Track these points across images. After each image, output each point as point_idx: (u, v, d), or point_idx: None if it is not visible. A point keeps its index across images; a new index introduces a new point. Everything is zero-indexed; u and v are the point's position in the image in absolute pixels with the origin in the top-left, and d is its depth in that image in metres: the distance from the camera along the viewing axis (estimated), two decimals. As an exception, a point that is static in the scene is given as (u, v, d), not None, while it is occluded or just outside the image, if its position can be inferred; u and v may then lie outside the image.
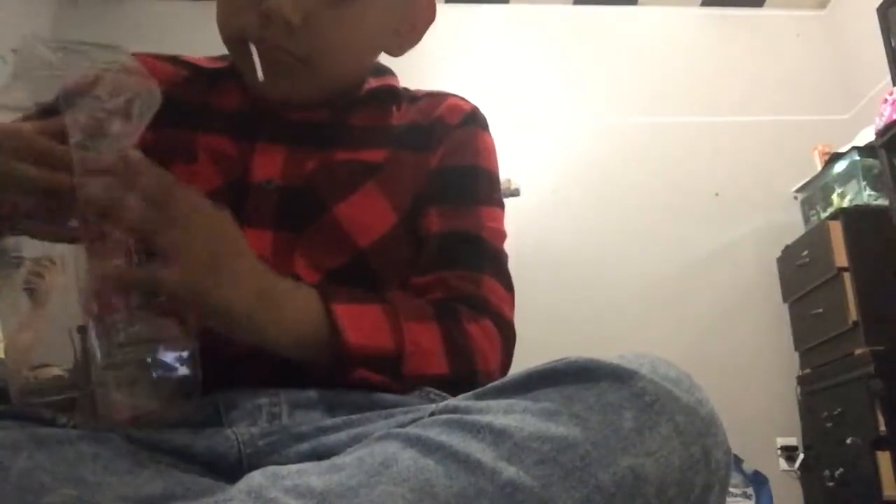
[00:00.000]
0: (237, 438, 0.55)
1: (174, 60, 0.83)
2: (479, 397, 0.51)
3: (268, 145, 0.74)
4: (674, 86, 3.47)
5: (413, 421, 0.51)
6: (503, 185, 0.88)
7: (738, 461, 2.79)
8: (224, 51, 0.78)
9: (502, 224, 0.81)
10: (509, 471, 0.42)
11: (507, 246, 0.80)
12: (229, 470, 0.53)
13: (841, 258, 2.66)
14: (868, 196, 2.82)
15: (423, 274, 0.74)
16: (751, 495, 2.80)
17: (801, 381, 2.95)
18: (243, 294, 0.56)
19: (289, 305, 0.61)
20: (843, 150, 2.96)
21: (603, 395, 0.46)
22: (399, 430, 0.48)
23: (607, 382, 0.47)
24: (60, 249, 0.56)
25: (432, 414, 0.50)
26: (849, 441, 2.51)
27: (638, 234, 3.23)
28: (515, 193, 3.15)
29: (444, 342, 0.66)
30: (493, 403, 0.48)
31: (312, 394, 0.61)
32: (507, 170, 3.00)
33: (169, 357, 0.54)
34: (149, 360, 0.52)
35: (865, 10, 3.13)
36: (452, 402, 0.51)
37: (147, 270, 0.53)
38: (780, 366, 3.04)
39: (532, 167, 3.30)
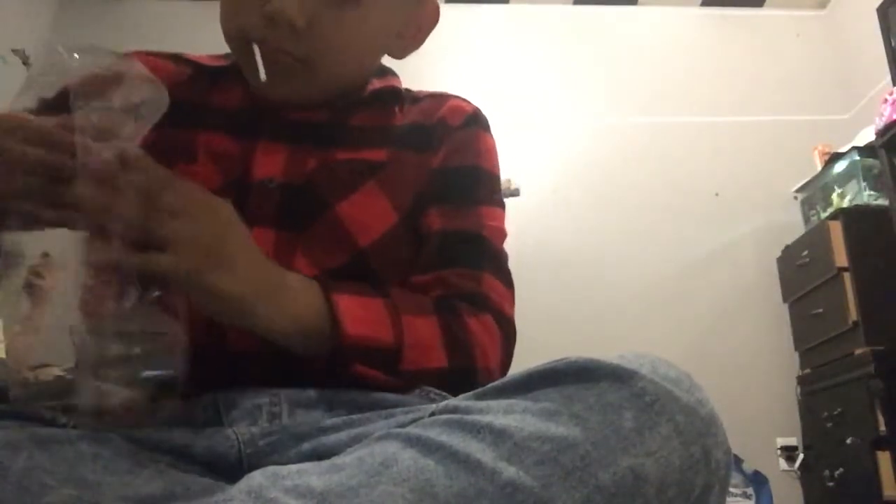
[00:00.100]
0: (237, 438, 0.55)
1: (176, 59, 0.83)
2: (479, 397, 0.51)
3: (269, 144, 0.74)
4: (674, 86, 3.47)
5: (413, 421, 0.51)
6: (503, 185, 0.88)
7: (738, 461, 2.79)
8: (226, 49, 0.78)
9: (503, 223, 0.81)
10: (509, 471, 0.42)
11: (508, 246, 0.81)
12: (229, 470, 0.53)
13: (841, 258, 2.66)
14: (868, 196, 2.82)
15: (424, 272, 0.74)
16: (751, 495, 2.80)
17: (801, 381, 2.95)
18: (242, 281, 0.56)
19: (289, 294, 0.61)
20: (843, 150, 2.96)
21: (603, 395, 0.46)
22: (399, 430, 0.48)
23: (607, 382, 0.47)
24: (61, 249, 0.56)
25: (432, 414, 0.50)
26: (849, 441, 2.51)
27: (638, 234, 3.23)
28: (515, 193, 3.15)
29: (443, 336, 0.67)
30: (493, 403, 0.48)
31: (312, 393, 0.61)
32: (507, 170, 3.00)
33: (159, 355, 0.54)
34: (139, 357, 0.52)
35: (865, 10, 3.13)
36: (452, 402, 0.52)
37: (144, 257, 0.53)
38: (780, 366, 3.04)
39: (532, 167, 3.30)
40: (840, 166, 2.97)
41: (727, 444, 0.48)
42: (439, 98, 0.85)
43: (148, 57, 0.82)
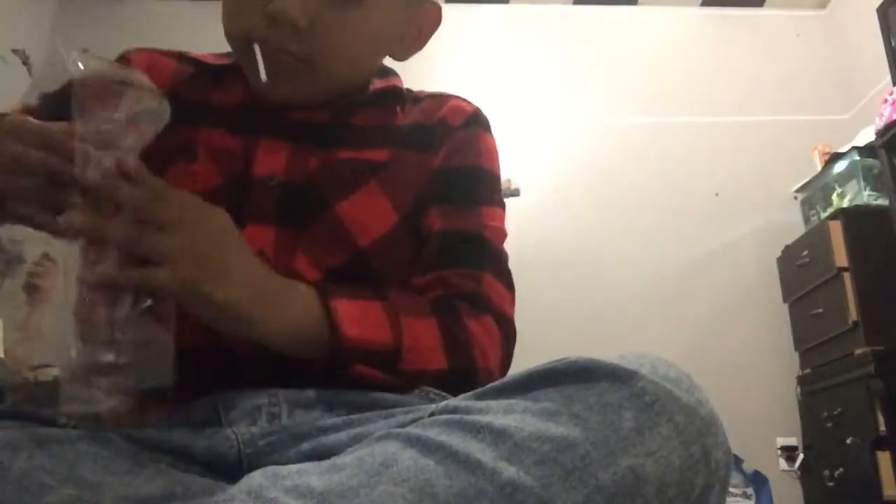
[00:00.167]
0: (237, 438, 0.55)
1: (179, 57, 0.83)
2: (479, 397, 0.51)
3: (271, 141, 0.74)
4: (674, 86, 3.47)
5: (413, 421, 0.51)
6: (503, 185, 0.88)
7: (738, 461, 2.79)
8: (227, 49, 0.78)
9: (503, 224, 0.81)
10: (509, 471, 0.42)
11: (508, 246, 0.81)
12: (229, 470, 0.53)
13: (841, 258, 2.66)
14: (868, 196, 2.82)
15: (424, 273, 0.74)
16: (751, 495, 2.80)
17: (801, 381, 2.95)
18: (238, 289, 0.56)
19: (286, 301, 0.61)
20: (843, 150, 2.96)
21: (603, 395, 0.46)
22: (399, 430, 0.48)
23: (607, 382, 0.47)
24: (60, 249, 0.56)
25: (432, 414, 0.50)
26: (849, 441, 2.51)
27: (638, 234, 3.23)
28: (515, 193, 3.15)
29: (442, 337, 0.66)
30: (493, 403, 0.48)
31: (311, 393, 0.61)
32: (507, 170, 2.99)
33: (149, 364, 0.54)
34: (129, 366, 0.53)
35: (865, 10, 3.13)
36: (452, 402, 0.51)
37: (140, 272, 0.53)
38: (780, 366, 3.04)
39: (532, 167, 3.30)
40: (840, 166, 2.96)
41: (727, 444, 0.48)
42: (440, 98, 0.85)
43: (151, 54, 0.82)
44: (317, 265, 0.69)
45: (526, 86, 3.48)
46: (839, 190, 2.97)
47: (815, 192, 3.14)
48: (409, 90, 0.86)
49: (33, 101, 0.75)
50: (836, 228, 2.72)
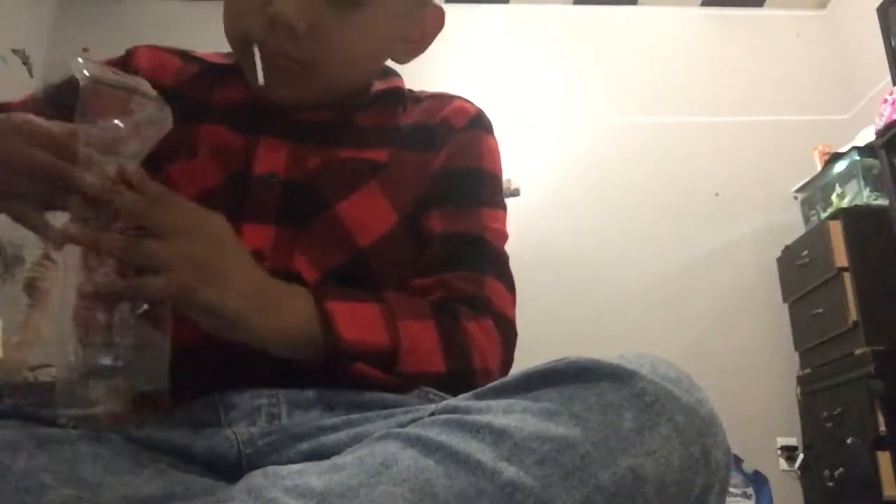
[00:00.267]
0: (237, 438, 0.55)
1: (183, 54, 0.83)
2: (478, 397, 0.51)
3: (272, 140, 0.74)
4: (674, 86, 3.47)
5: (413, 421, 0.51)
6: (503, 185, 0.88)
7: (738, 461, 2.79)
8: (227, 49, 0.78)
9: (504, 226, 0.81)
10: (509, 471, 0.42)
11: (507, 246, 0.81)
12: (229, 470, 0.53)
13: (841, 258, 2.66)
14: (868, 196, 2.82)
15: (425, 275, 0.74)
16: (751, 495, 2.80)
17: (801, 381, 2.95)
18: (236, 295, 0.56)
19: (283, 305, 0.61)
20: (843, 150, 2.96)
21: (603, 396, 0.46)
22: (399, 429, 0.48)
23: (607, 382, 0.47)
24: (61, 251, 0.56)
25: (432, 414, 0.50)
26: (849, 441, 2.51)
27: (638, 234, 3.23)
28: (515, 193, 3.15)
29: (441, 340, 0.66)
30: (492, 403, 0.48)
31: (311, 393, 0.61)
32: (507, 170, 2.98)
33: (145, 368, 0.54)
34: (125, 369, 0.53)
35: (865, 10, 3.13)
36: (452, 401, 0.51)
37: (137, 282, 0.53)
38: (780, 366, 3.04)
39: (532, 167, 3.30)
40: (840, 166, 2.97)
41: (727, 444, 0.48)
42: (442, 98, 0.84)
43: (156, 51, 0.82)
44: (316, 265, 0.69)
45: (526, 86, 3.48)
46: (839, 190, 2.97)
47: (815, 192, 3.14)
48: (410, 90, 0.86)
49: (39, 94, 0.75)
50: (836, 228, 2.72)
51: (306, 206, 0.72)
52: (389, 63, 0.85)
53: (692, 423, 0.46)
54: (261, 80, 0.69)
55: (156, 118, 0.57)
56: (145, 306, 0.54)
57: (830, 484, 2.59)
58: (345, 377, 0.62)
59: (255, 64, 0.69)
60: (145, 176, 0.55)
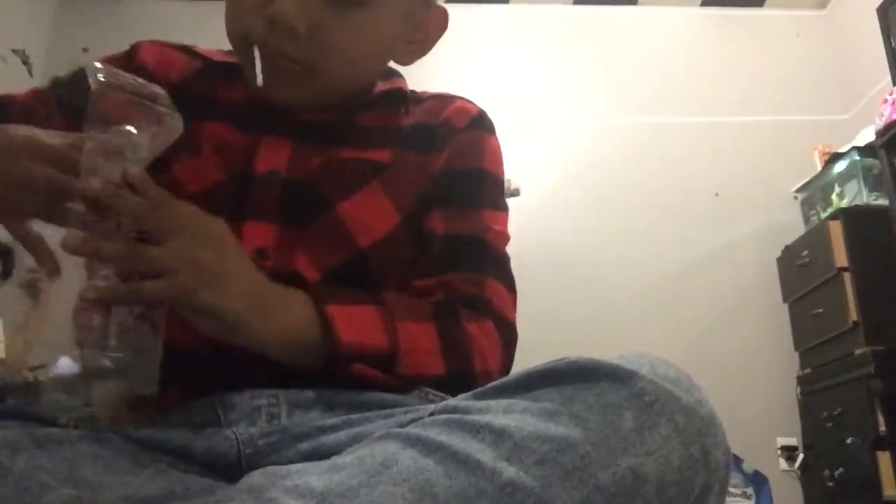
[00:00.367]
0: (237, 438, 0.55)
1: (187, 50, 0.83)
2: (478, 397, 0.51)
3: (274, 139, 0.74)
4: (674, 86, 3.47)
5: (413, 421, 0.51)
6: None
7: (738, 461, 2.79)
8: (230, 48, 0.78)
9: (506, 227, 0.81)
10: (509, 471, 0.42)
11: (507, 246, 0.80)
12: (229, 470, 0.53)
13: (841, 258, 2.66)
14: (868, 196, 2.82)
15: (427, 276, 0.74)
16: (751, 495, 2.80)
17: (801, 381, 2.95)
18: (236, 299, 0.56)
19: (282, 310, 0.61)
20: (843, 150, 2.96)
21: (603, 396, 0.46)
22: (399, 429, 0.48)
23: (607, 382, 0.47)
24: (60, 253, 0.56)
25: (432, 414, 0.50)
26: (849, 441, 2.51)
27: (638, 234, 3.23)
28: (515, 193, 3.15)
29: (441, 342, 0.66)
30: (492, 403, 0.48)
31: (311, 394, 0.61)
32: (507, 170, 2.98)
33: (138, 371, 0.54)
34: (120, 370, 0.53)
35: (865, 10, 3.13)
36: (452, 401, 0.51)
37: (137, 286, 0.53)
38: (780, 366, 3.04)
39: (532, 167, 3.30)
40: (840, 166, 2.97)
41: (726, 444, 0.48)
42: (444, 99, 0.84)
43: (161, 46, 0.82)
44: (317, 264, 0.69)
45: (526, 86, 3.48)
46: (839, 190, 2.97)
47: (815, 192, 3.14)
48: (412, 91, 0.86)
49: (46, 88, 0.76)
50: (836, 228, 2.72)
51: (308, 205, 0.72)
52: (392, 64, 0.85)
53: (692, 423, 0.46)
54: (259, 80, 0.69)
55: (168, 128, 0.57)
56: (142, 309, 0.55)
57: (830, 484, 2.59)
58: (344, 379, 0.62)
59: (254, 65, 0.69)
60: (148, 180, 0.55)
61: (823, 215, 2.95)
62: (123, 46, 0.82)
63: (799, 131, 3.35)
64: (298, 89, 0.73)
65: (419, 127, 0.81)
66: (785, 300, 3.09)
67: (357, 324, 0.62)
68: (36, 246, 0.60)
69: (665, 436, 0.45)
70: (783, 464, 2.94)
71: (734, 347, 3.07)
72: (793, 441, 2.95)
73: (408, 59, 0.82)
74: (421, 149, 0.79)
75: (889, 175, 2.53)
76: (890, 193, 2.54)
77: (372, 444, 0.47)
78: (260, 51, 0.69)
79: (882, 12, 2.99)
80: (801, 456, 2.89)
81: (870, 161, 2.83)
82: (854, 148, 2.90)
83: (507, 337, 0.72)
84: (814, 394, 2.85)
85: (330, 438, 0.55)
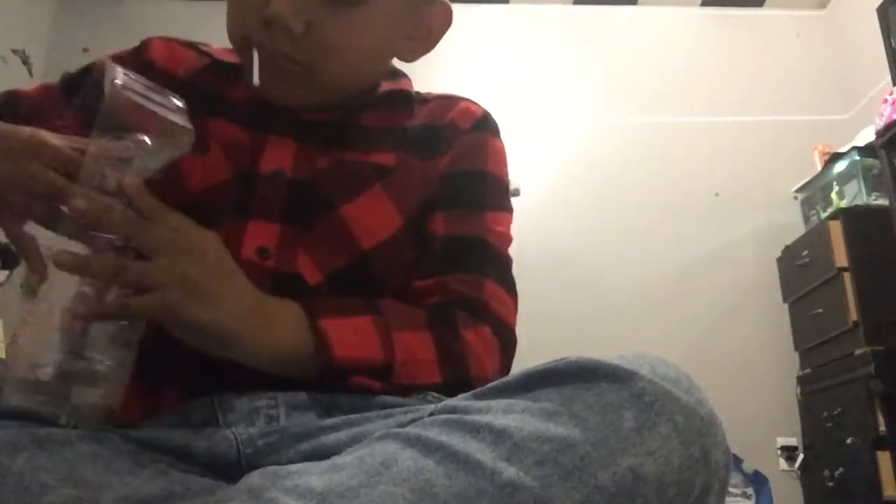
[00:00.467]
0: (236, 438, 0.55)
1: (196, 48, 0.83)
2: (478, 397, 0.50)
3: (279, 139, 0.74)
4: (674, 86, 3.47)
5: (413, 421, 0.51)
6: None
7: (738, 461, 2.79)
8: (230, 48, 0.78)
9: (509, 229, 0.80)
10: (509, 471, 0.42)
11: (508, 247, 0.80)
12: (229, 470, 0.53)
13: (841, 258, 2.67)
14: (868, 196, 2.82)
15: (426, 277, 0.74)
16: (751, 495, 2.80)
17: (801, 381, 2.95)
18: (226, 313, 0.56)
19: (273, 324, 0.60)
20: (843, 150, 2.96)
21: (603, 396, 0.46)
22: (399, 429, 0.48)
23: (607, 383, 0.47)
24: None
25: (432, 414, 0.50)
26: (849, 441, 2.51)
27: (638, 234, 3.23)
28: (515, 193, 3.15)
29: (437, 351, 0.66)
30: (492, 403, 0.48)
31: (309, 396, 0.61)
32: (508, 170, 2.99)
33: (117, 379, 0.55)
34: (100, 380, 0.53)
35: (865, 10, 3.13)
36: (452, 401, 0.51)
37: (124, 302, 0.54)
38: (780, 366, 3.04)
39: (532, 167, 3.30)
40: (840, 166, 2.97)
41: (726, 445, 0.48)
42: (449, 100, 0.84)
43: (170, 43, 0.82)
44: (319, 266, 0.69)
45: (526, 86, 3.48)
46: (839, 190, 2.97)
47: (815, 192, 3.14)
48: (417, 92, 0.85)
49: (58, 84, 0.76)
50: (836, 228, 2.72)
51: (311, 206, 0.71)
52: (397, 64, 0.84)
53: (692, 423, 0.46)
54: (256, 81, 0.69)
55: (178, 142, 0.57)
56: (125, 321, 0.55)
57: (830, 484, 2.59)
58: (340, 389, 0.62)
59: (253, 65, 0.69)
60: (143, 190, 0.55)
61: (823, 215, 2.95)
62: (123, 46, 0.82)
63: (799, 131, 3.35)
64: (298, 89, 0.72)
65: (424, 128, 0.80)
66: (785, 300, 3.09)
67: (351, 337, 0.62)
68: (27, 249, 0.60)
69: (665, 436, 0.45)
70: (783, 464, 2.94)
71: (734, 347, 3.07)
72: (793, 441, 2.96)
73: (411, 57, 0.81)
74: (426, 152, 0.79)
75: (889, 175, 2.53)
76: (890, 193, 2.54)
77: (372, 444, 0.47)
78: (259, 51, 0.69)
79: (882, 12, 2.99)
80: (801, 456, 2.89)
81: (870, 161, 2.83)
82: (854, 148, 2.90)
83: (505, 341, 0.72)
84: (814, 394, 2.85)
85: (330, 438, 0.55)
